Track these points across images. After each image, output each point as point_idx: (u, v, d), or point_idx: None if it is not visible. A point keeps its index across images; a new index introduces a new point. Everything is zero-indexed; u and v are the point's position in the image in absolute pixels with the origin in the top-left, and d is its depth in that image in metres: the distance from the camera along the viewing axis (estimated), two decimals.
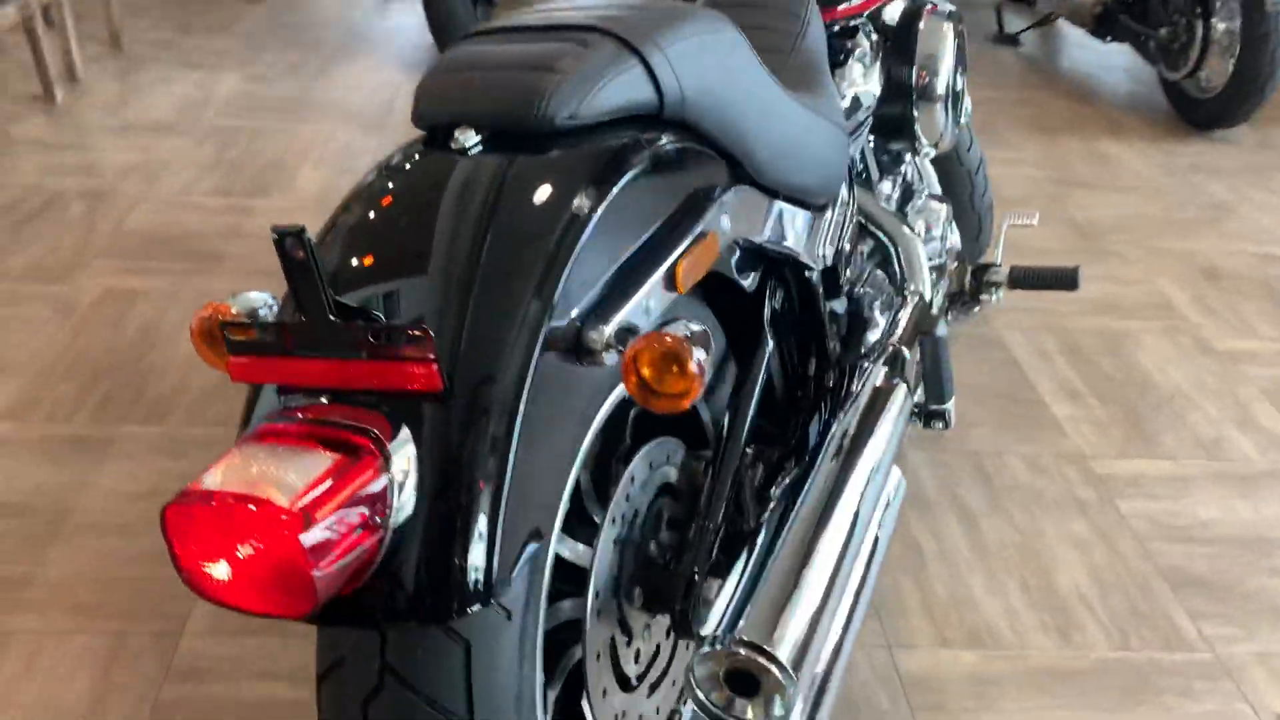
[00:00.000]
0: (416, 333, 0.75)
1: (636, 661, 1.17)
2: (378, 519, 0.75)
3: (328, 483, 0.72)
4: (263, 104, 3.56)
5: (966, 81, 1.87)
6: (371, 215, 0.89)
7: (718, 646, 0.95)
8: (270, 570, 0.71)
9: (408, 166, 0.93)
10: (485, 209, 0.87)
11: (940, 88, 1.72)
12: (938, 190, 1.97)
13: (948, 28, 1.73)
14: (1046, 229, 3.07)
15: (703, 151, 1.07)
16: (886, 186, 1.82)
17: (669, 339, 0.82)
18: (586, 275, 0.88)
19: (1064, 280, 1.88)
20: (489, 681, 0.88)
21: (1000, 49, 4.86)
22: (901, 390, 1.34)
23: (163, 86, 3.64)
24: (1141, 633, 1.71)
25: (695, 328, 0.86)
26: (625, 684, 1.15)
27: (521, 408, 0.80)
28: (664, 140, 1.01)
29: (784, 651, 0.95)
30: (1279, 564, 1.86)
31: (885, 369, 1.37)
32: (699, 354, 0.83)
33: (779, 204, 1.23)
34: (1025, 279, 1.92)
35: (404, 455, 0.77)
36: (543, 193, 0.89)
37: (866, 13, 1.68)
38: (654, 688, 1.22)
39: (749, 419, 1.24)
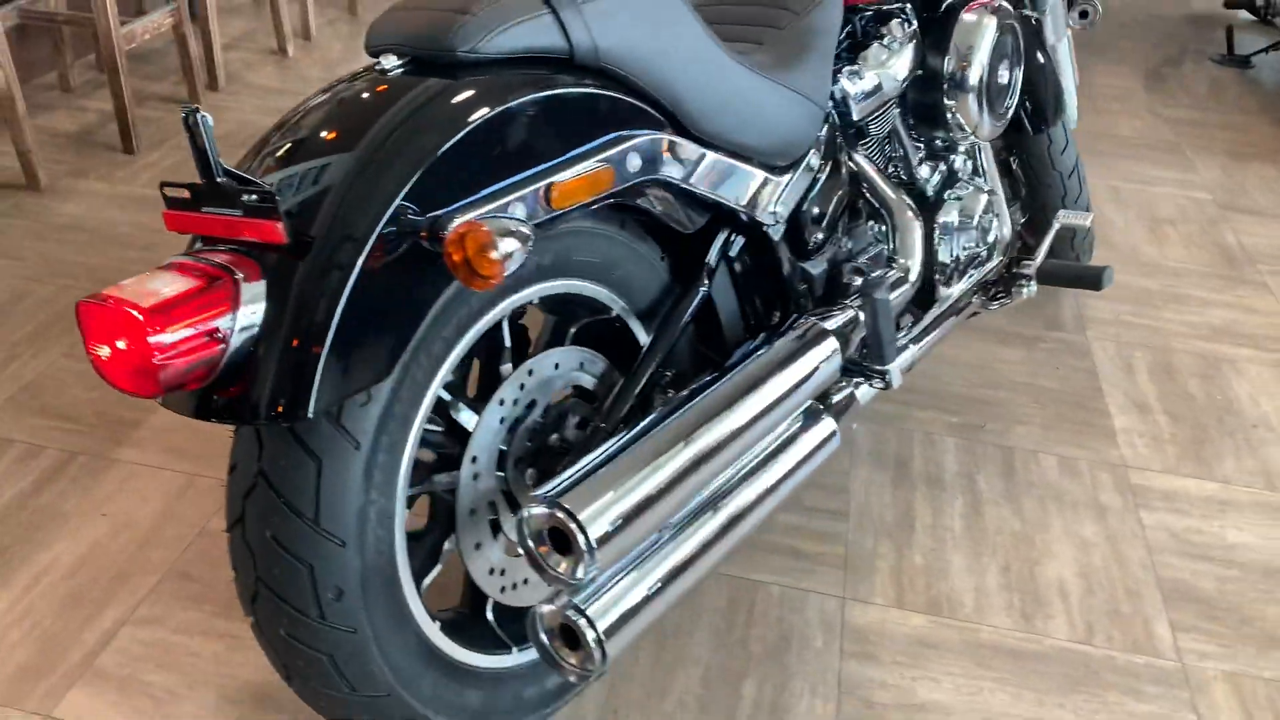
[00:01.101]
0: (267, 194, 0.98)
1: None
2: (219, 335, 0.97)
3: (183, 301, 0.96)
4: None
5: (1021, 78, 1.90)
6: (300, 114, 1.12)
7: (540, 507, 1.12)
8: (130, 357, 0.95)
9: (342, 83, 1.16)
10: (378, 114, 1.08)
11: (973, 78, 1.77)
12: (992, 183, 2.01)
13: (989, 21, 1.79)
14: (1189, 250, 2.96)
15: (619, 97, 1.23)
16: (925, 170, 1.89)
17: (483, 229, 1.00)
18: (460, 179, 1.07)
19: (1089, 280, 1.88)
20: (334, 496, 1.09)
21: (1225, 70, 4.59)
22: (829, 342, 1.45)
23: None
24: (1110, 631, 1.71)
25: (518, 228, 1.03)
26: (507, 547, 1.34)
27: (357, 268, 1.00)
28: (571, 81, 1.18)
29: (595, 527, 1.11)
30: None
31: (826, 323, 1.48)
32: (505, 246, 1.01)
33: (716, 156, 1.36)
34: (1053, 275, 1.93)
35: (257, 291, 1.00)
36: (430, 106, 1.08)
37: (905, 2, 1.76)
38: None
39: (668, 343, 1.39)
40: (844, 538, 1.87)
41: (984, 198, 1.92)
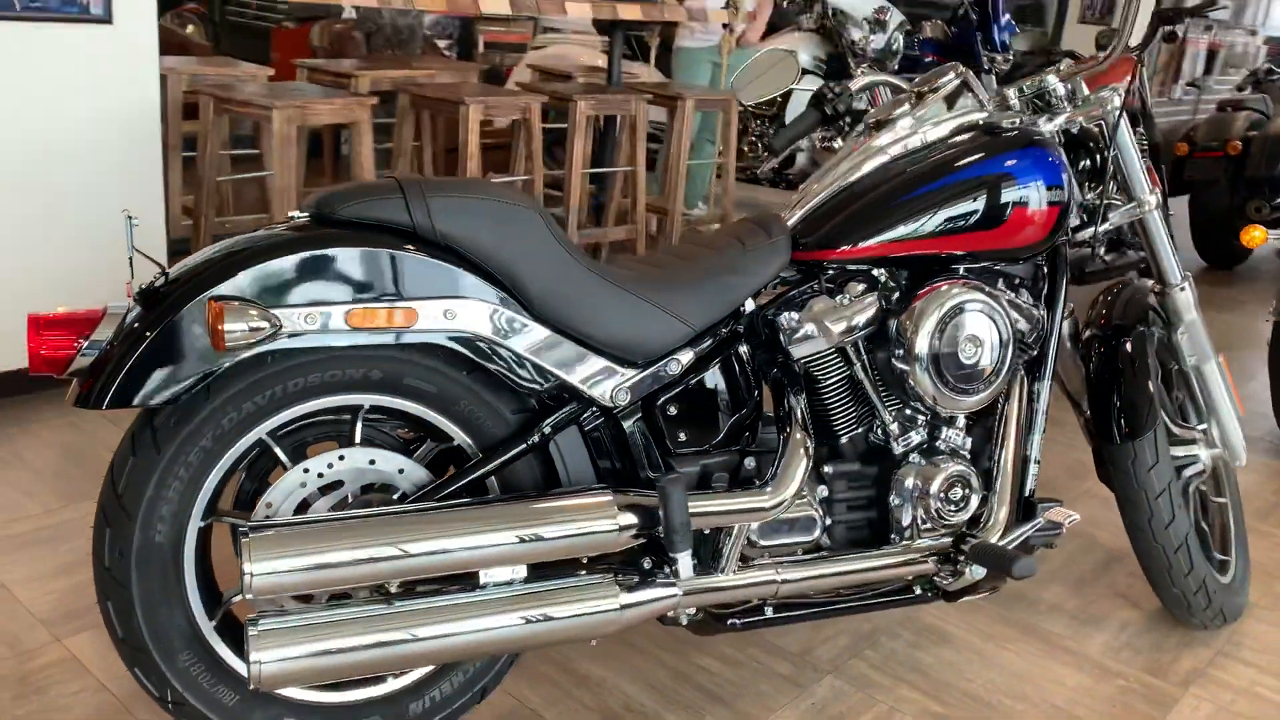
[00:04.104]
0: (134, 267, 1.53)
1: None
2: (74, 346, 1.51)
3: (63, 322, 1.52)
4: None
5: (1000, 368, 1.90)
6: (228, 239, 1.66)
7: (241, 536, 1.49)
8: (28, 342, 1.52)
9: (269, 225, 1.69)
10: (250, 239, 1.59)
11: (919, 349, 1.85)
12: (982, 463, 2.00)
13: (955, 297, 1.85)
14: None
15: (450, 266, 1.61)
16: (895, 426, 1.95)
17: (216, 306, 1.45)
18: (271, 285, 1.54)
19: (1005, 564, 1.76)
20: (136, 482, 1.56)
21: None
22: (610, 510, 1.63)
23: None
24: None
25: (258, 316, 1.46)
26: None
27: (166, 322, 1.49)
28: (406, 245, 1.60)
29: (261, 564, 1.46)
30: None
31: (623, 494, 1.67)
32: (230, 324, 1.45)
33: (553, 336, 1.67)
34: (982, 554, 1.83)
35: (111, 327, 1.53)
36: (274, 240, 1.57)
37: (873, 265, 1.92)
38: None
39: (479, 471, 1.69)
40: None
41: (948, 471, 1.92)
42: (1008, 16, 6.92)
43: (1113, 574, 2.62)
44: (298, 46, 7.40)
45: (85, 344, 1.53)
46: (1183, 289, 2.27)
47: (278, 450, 1.67)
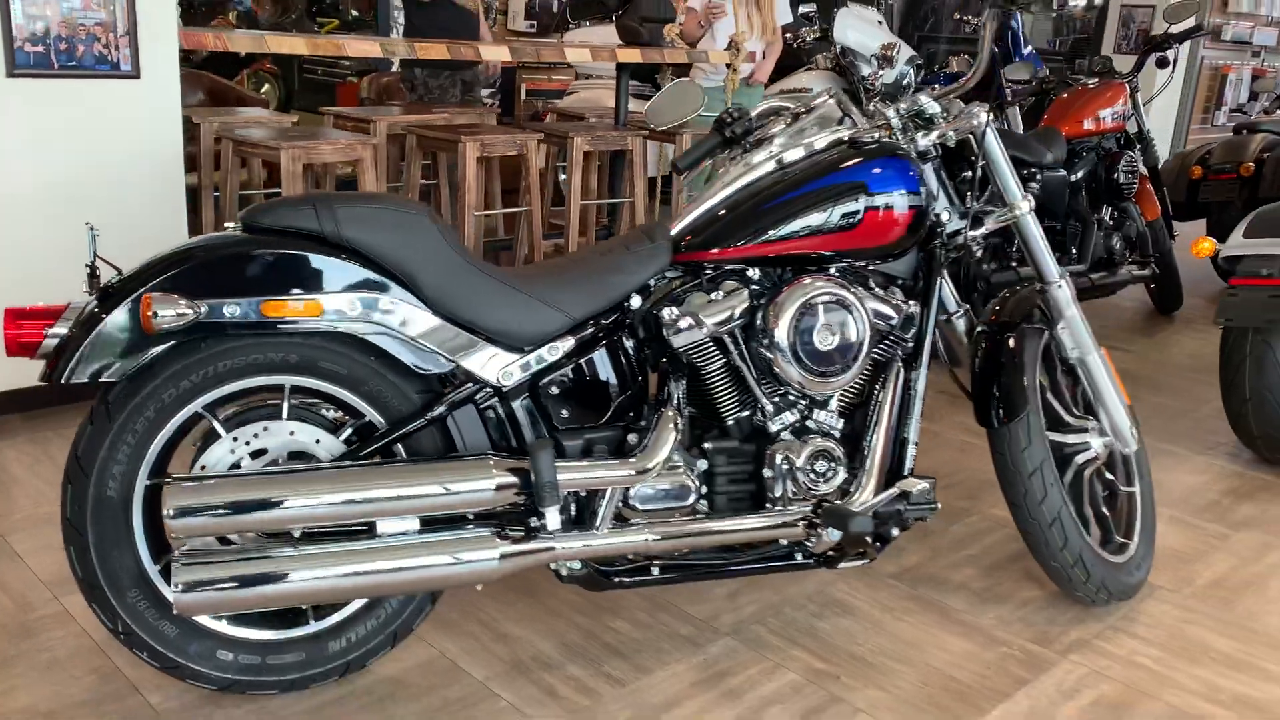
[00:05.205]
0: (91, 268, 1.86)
1: None
2: (42, 332, 1.85)
3: (36, 314, 1.86)
4: None
5: (855, 352, 2.14)
6: (174, 245, 2.00)
7: (165, 485, 1.81)
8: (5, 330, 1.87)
9: (211, 233, 2.02)
10: (190, 244, 1.92)
11: (779, 337, 2.10)
12: (850, 444, 2.24)
13: (808, 290, 2.10)
14: None
15: (353, 265, 1.92)
16: (770, 406, 2.20)
17: (146, 297, 1.77)
18: (199, 282, 1.86)
19: (846, 522, 1.97)
20: (92, 446, 1.89)
21: None
22: (489, 471, 1.91)
23: None
24: None
25: (180, 306, 1.78)
26: None
27: (114, 312, 1.82)
28: (316, 249, 1.92)
29: (176, 502, 1.77)
30: None
31: (508, 459, 1.94)
32: (158, 310, 1.77)
33: (445, 325, 1.96)
34: (831, 516, 2.04)
35: (74, 316, 1.87)
36: (219, 243, 1.90)
37: (748, 265, 2.18)
38: None
39: (383, 441, 1.98)
40: (600, 700, 2.13)
41: (815, 446, 2.15)
42: (1030, 49, 7.10)
43: (1027, 561, 2.78)
44: (356, 98, 7.97)
45: (51, 331, 1.86)
46: (1060, 286, 2.46)
47: (214, 422, 1.99)
